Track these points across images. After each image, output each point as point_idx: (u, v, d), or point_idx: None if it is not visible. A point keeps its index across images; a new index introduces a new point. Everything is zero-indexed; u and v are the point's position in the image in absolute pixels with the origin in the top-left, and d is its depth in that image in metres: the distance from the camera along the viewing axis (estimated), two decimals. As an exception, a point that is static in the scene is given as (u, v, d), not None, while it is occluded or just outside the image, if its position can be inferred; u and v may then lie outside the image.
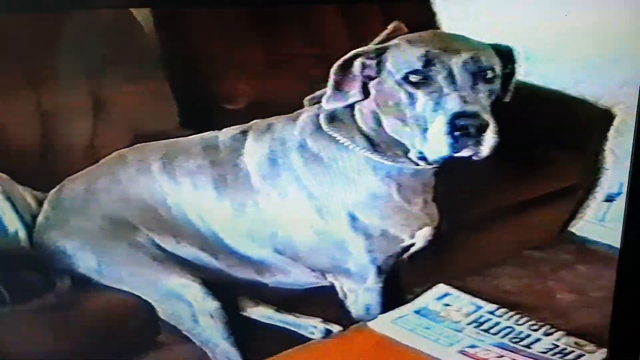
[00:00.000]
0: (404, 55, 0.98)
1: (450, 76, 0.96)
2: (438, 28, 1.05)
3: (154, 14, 1.04)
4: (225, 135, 1.07)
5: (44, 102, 1.04)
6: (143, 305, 1.10)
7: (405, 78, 0.97)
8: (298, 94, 1.05)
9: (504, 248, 1.17)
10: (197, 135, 1.08)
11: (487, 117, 0.95)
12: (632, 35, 1.00)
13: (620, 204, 1.07)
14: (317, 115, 1.04)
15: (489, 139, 0.95)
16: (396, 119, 1.00)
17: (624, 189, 1.06)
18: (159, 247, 1.09)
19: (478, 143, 0.95)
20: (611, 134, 1.11)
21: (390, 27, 1.03)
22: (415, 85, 0.96)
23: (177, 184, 1.08)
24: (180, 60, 1.07)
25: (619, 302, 1.06)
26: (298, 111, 1.06)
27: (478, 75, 0.97)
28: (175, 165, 1.08)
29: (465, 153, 0.96)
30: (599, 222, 1.13)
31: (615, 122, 1.10)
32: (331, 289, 1.11)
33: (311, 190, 1.06)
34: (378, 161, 1.04)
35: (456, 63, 0.96)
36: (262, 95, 1.07)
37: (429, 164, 1.02)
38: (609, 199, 1.11)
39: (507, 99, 1.02)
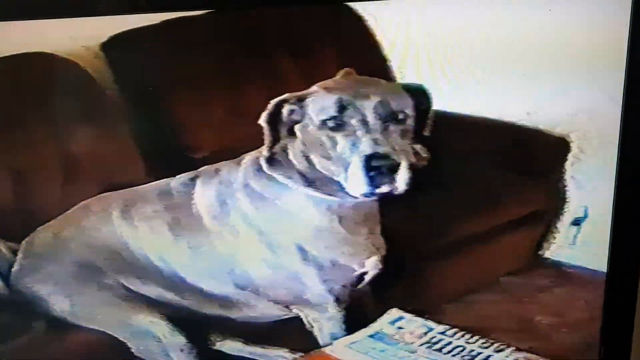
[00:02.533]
0: (321, 102, 1.03)
1: (363, 120, 1.01)
2: (388, 73, 1.06)
3: (113, 71, 1.07)
4: (177, 181, 1.10)
5: (15, 161, 1.10)
6: (117, 343, 1.15)
7: (324, 123, 1.02)
8: (260, 141, 1.08)
9: (477, 275, 1.17)
10: (152, 183, 1.09)
11: (399, 156, 1.01)
12: (581, 65, 1.01)
13: (589, 227, 1.10)
14: (258, 158, 1.07)
15: (403, 176, 1.01)
16: (324, 158, 1.04)
17: (589, 213, 1.09)
18: (127, 288, 1.13)
19: (393, 180, 1.01)
20: (569, 160, 1.12)
21: (340, 73, 1.06)
22: (333, 129, 1.02)
23: (136, 229, 1.10)
24: (143, 113, 1.10)
25: (607, 323, 1.09)
26: (242, 155, 1.08)
27: (389, 117, 1.01)
28: (133, 212, 1.10)
29: (384, 189, 1.02)
30: (570, 246, 1.14)
31: (572, 149, 1.11)
32: (298, 320, 1.13)
33: (260, 227, 1.08)
34: (317, 196, 1.06)
35: (367, 108, 1.01)
36: (225, 143, 1.09)
37: (366, 196, 1.06)
38: (576, 222, 1.12)
39: (427, 133, 1.05)
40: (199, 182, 1.09)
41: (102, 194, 1.11)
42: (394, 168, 1.00)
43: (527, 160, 1.11)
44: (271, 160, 1.07)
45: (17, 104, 1.05)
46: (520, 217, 1.13)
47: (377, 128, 1.01)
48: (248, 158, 1.08)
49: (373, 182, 1.00)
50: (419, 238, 1.12)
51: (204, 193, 1.09)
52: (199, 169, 1.09)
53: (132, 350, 1.13)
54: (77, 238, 1.14)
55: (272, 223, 1.08)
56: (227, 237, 1.08)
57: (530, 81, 1.02)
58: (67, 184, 1.10)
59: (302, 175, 1.06)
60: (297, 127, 1.04)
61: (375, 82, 1.04)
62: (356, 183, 1.01)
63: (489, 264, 1.16)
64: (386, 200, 1.06)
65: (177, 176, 1.09)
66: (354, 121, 1.01)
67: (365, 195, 1.02)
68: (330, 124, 1.02)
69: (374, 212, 1.09)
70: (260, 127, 1.06)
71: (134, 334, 1.14)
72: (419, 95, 1.04)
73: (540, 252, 1.14)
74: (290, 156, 1.06)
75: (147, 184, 1.09)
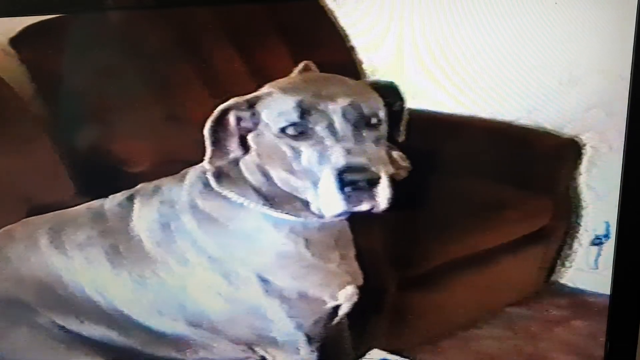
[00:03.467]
0: (277, 106, 0.90)
1: (331, 126, 0.88)
2: (357, 66, 0.95)
3: (31, 73, 0.96)
4: (111, 202, 0.99)
5: None
6: None
7: (283, 131, 0.89)
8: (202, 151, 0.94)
9: (475, 306, 1.02)
10: (83, 204, 1.00)
11: (377, 168, 0.87)
12: (597, 49, 0.86)
13: (612, 247, 0.94)
14: (205, 173, 0.95)
15: (384, 190, 0.87)
16: (285, 172, 0.91)
17: (612, 230, 0.93)
18: (62, 328, 1.01)
19: (372, 196, 0.87)
20: (583, 166, 0.94)
21: (297, 68, 0.94)
22: (295, 137, 0.89)
23: (69, 258, 0.99)
24: (67, 121, 0.98)
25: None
26: (185, 170, 0.97)
27: (360, 122, 0.89)
28: (64, 239, 1.00)
29: (363, 207, 0.88)
30: (591, 270, 0.97)
31: (586, 152, 0.93)
32: None
33: (212, 254, 0.96)
34: (278, 217, 0.94)
35: (334, 111, 0.88)
36: (165, 155, 0.99)
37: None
38: (597, 242, 0.95)
39: (401, 139, 0.93)
40: (136, 202, 0.98)
41: (25, 219, 1.01)
42: (373, 182, 0.87)
43: (530, 166, 0.96)
44: (220, 176, 0.95)
45: None
46: (525, 235, 0.99)
47: (348, 135, 0.88)
48: (192, 173, 0.97)
49: (349, 200, 0.87)
50: (402, 263, 1.00)
51: (144, 215, 0.98)
52: (136, 187, 0.99)
53: (72, 400, 1.01)
54: (1, 271, 1.02)
55: (226, 249, 0.96)
56: (175, 267, 0.97)
57: (530, 71, 0.88)
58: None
59: (259, 192, 0.95)
60: (250, 137, 0.93)
61: (340, 80, 0.92)
62: (329, 201, 0.88)
63: (489, 292, 1.02)
64: (361, 219, 0.93)
65: (111, 196, 0.99)
66: (319, 128, 0.88)
67: (340, 215, 0.89)
68: (291, 131, 0.89)
69: (346, 234, 0.97)
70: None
71: None
72: (389, 94, 0.92)
73: (553, 278, 0.99)
74: (244, 170, 0.95)
75: (77, 206, 1.00)
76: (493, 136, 0.92)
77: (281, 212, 0.94)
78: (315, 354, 1.00)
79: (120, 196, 0.99)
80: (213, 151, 0.92)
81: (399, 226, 0.96)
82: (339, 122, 0.88)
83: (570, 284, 0.99)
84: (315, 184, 0.88)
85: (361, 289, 0.98)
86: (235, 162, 0.94)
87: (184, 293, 0.97)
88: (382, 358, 1.00)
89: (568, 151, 0.93)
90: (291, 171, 0.91)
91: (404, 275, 1.00)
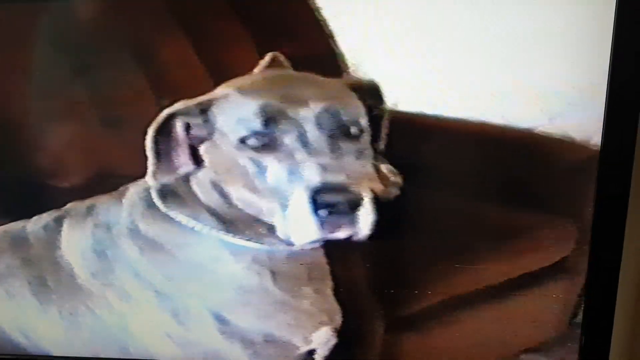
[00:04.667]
0: (236, 111, 0.81)
1: (302, 136, 0.79)
2: (336, 57, 0.81)
3: None
4: (35, 224, 0.90)
5: None
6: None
7: (243, 141, 0.80)
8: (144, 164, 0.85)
9: (485, 352, 0.88)
10: (1, 227, 0.90)
11: (359, 187, 0.79)
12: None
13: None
14: (148, 190, 0.86)
15: (367, 214, 0.78)
16: (246, 191, 0.82)
17: None
18: None
19: (353, 221, 0.79)
20: None
21: (264, 61, 0.82)
22: (258, 150, 0.80)
23: None
24: None
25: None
26: (124, 186, 0.87)
27: (337, 132, 0.80)
28: None
29: (339, 234, 0.79)
30: None
31: None
32: None
33: (158, 287, 0.88)
34: (237, 244, 0.85)
35: (305, 119, 0.79)
36: (101, 166, 0.88)
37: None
38: None
39: (381, 148, 0.82)
40: (66, 224, 0.89)
41: None
42: (353, 204, 0.78)
43: (551, 184, 0.82)
44: (167, 194, 0.85)
45: None
46: (542, 268, 0.85)
47: (323, 147, 0.79)
48: (133, 190, 0.87)
49: (325, 225, 0.78)
50: (391, 299, 0.87)
51: (75, 240, 0.89)
52: (66, 207, 0.89)
53: None
54: None
55: (174, 282, 0.87)
56: (114, 302, 0.89)
57: (550, 70, 0.76)
58: None
59: (214, 214, 0.85)
60: (202, 148, 0.82)
61: (313, 79, 0.81)
62: (300, 227, 0.79)
63: (500, 335, 0.88)
64: (339, 247, 0.83)
65: (35, 217, 0.89)
66: (288, 139, 0.79)
67: (313, 243, 0.81)
68: (254, 142, 0.80)
69: (321, 265, 0.86)
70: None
71: None
72: (370, 96, 0.81)
73: (578, 319, 0.85)
74: (196, 188, 0.85)
75: None
76: (505, 147, 0.81)
77: (241, 239, 0.85)
78: None
79: (46, 217, 0.90)
80: (157, 164, 0.83)
81: (387, 255, 0.85)
82: (311, 132, 0.80)
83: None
84: (283, 205, 0.80)
85: (340, 331, 0.88)
86: (186, 178, 0.85)
87: (126, 333, 0.90)
88: None
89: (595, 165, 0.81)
90: (253, 189, 0.82)
91: (392, 313, 0.88)
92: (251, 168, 0.81)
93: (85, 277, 0.89)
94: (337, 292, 0.87)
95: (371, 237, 0.80)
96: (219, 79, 0.82)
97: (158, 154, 0.83)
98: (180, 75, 0.85)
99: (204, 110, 0.82)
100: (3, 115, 0.88)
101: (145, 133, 0.83)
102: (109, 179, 0.88)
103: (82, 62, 0.85)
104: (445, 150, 0.81)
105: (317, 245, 0.83)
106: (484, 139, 0.81)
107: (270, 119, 0.80)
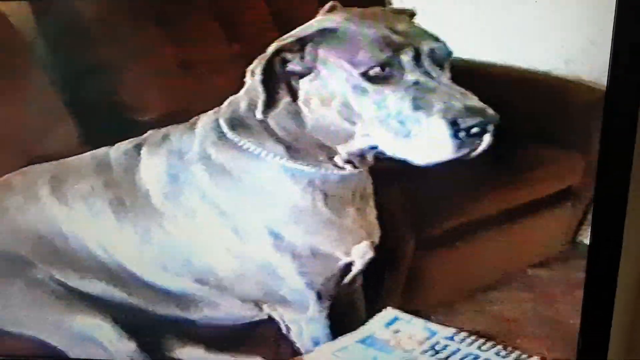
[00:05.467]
0: (353, 43, 0.82)
1: (421, 67, 0.81)
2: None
3: (38, 19, 0.92)
4: (117, 151, 0.95)
5: None
6: (51, 351, 1.01)
7: (364, 73, 0.81)
8: (219, 100, 0.91)
9: (497, 267, 0.97)
10: (87, 153, 0.95)
11: (491, 110, 0.80)
12: None
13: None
14: (217, 121, 0.91)
15: (489, 135, 0.81)
16: (340, 121, 0.85)
17: None
18: (61, 284, 0.99)
19: (480, 142, 0.81)
20: None
21: (325, 7, 0.86)
22: (375, 80, 0.81)
23: (71, 210, 0.96)
24: (73, 66, 0.94)
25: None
26: (195, 117, 0.92)
27: (442, 63, 0.82)
28: (66, 189, 0.96)
29: (465, 152, 0.81)
30: None
31: None
32: (272, 322, 0.99)
33: (223, 208, 0.93)
34: (296, 168, 0.90)
35: (425, 51, 0.81)
36: (177, 102, 0.94)
37: (356, 167, 0.90)
38: None
39: None
40: (144, 151, 0.95)
41: (25, 168, 0.97)
42: (489, 124, 0.80)
43: (562, 122, 0.89)
44: (236, 124, 0.91)
45: None
46: (551, 194, 0.93)
47: (442, 77, 0.81)
48: (204, 121, 0.92)
49: (460, 146, 0.80)
50: (423, 220, 0.95)
51: (151, 166, 0.94)
52: (144, 135, 0.95)
53: (71, 361, 0.98)
54: None
55: (237, 203, 0.92)
56: (182, 221, 0.94)
57: (566, 22, 0.82)
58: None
59: (280, 142, 0.89)
60: (302, 82, 0.85)
61: (400, 18, 0.84)
62: (432, 149, 0.80)
63: (511, 253, 0.96)
64: (383, 174, 0.91)
65: (117, 144, 0.95)
66: (410, 68, 0.81)
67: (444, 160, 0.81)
68: (375, 73, 0.81)
69: (365, 188, 0.93)
70: (219, 85, 0.91)
71: (72, 339, 1.00)
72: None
73: (579, 239, 0.92)
74: (270, 119, 0.88)
75: (80, 155, 0.96)
76: (525, 88, 0.87)
77: (302, 164, 0.90)
78: (325, 312, 0.98)
79: (127, 144, 0.95)
80: (265, 99, 0.85)
81: (422, 182, 0.90)
82: (429, 63, 0.81)
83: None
84: (402, 133, 0.82)
85: (377, 247, 0.94)
86: (253, 109, 0.87)
87: (190, 248, 0.95)
88: (395, 317, 0.97)
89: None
90: (352, 120, 0.84)
91: (423, 234, 0.96)
92: (361, 99, 0.82)
93: (158, 198, 0.94)
94: (376, 212, 0.94)
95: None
96: (282, 27, 0.85)
97: (265, 87, 0.85)
98: (249, 20, 0.90)
99: (305, 44, 0.84)
100: (94, 59, 0.93)
101: (218, 72, 0.90)
102: (183, 114, 0.93)
103: (167, 10, 0.90)
104: (474, 91, 0.83)
105: (364, 169, 0.90)
106: (509, 80, 0.87)
107: (395, 49, 0.81)
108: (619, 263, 0.87)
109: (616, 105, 0.81)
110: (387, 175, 0.91)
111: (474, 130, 0.79)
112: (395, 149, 0.83)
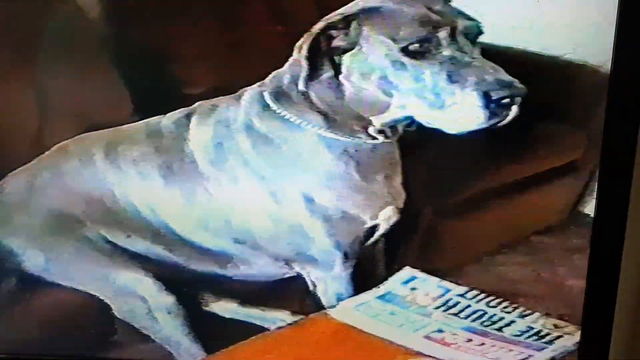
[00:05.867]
0: (395, 21, 0.88)
1: (456, 43, 0.87)
2: None
3: None
4: (169, 119, 1.00)
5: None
6: (98, 303, 1.07)
7: (404, 49, 0.87)
8: (264, 75, 0.97)
9: (506, 233, 1.04)
10: (140, 121, 1.00)
11: (519, 83, 0.87)
12: None
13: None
14: (262, 94, 0.96)
15: (516, 106, 0.88)
16: (378, 93, 0.92)
17: None
18: (109, 242, 1.04)
19: (508, 113, 0.88)
20: None
21: None
22: (413, 55, 0.88)
23: (123, 173, 1.01)
24: (130, 43, 0.99)
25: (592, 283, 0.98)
26: (242, 90, 0.98)
27: (475, 42, 0.89)
28: (119, 154, 1.01)
29: (494, 122, 0.88)
30: None
31: None
32: (300, 278, 1.05)
33: (262, 173, 0.99)
34: (333, 138, 0.96)
35: (459, 29, 0.88)
36: (224, 78, 0.99)
37: (387, 137, 0.97)
38: None
39: None
40: (193, 120, 0.99)
41: (81, 135, 1.03)
42: (517, 96, 0.87)
43: (569, 101, 0.96)
44: (279, 96, 0.96)
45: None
46: (555, 168, 1.00)
47: (474, 53, 0.88)
48: (250, 92, 0.98)
49: (491, 117, 0.87)
50: (442, 189, 1.01)
51: (200, 134, 0.99)
52: (194, 105, 0.99)
53: (114, 311, 1.07)
54: (54, 184, 1.04)
55: (276, 169, 0.98)
56: (225, 185, 0.99)
57: (574, 10, 0.89)
58: (43, 123, 1.02)
59: (320, 113, 0.95)
60: (345, 58, 0.91)
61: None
62: (464, 119, 0.88)
63: (518, 220, 1.03)
64: (410, 144, 0.97)
65: (169, 114, 1.00)
66: (446, 43, 0.88)
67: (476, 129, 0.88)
68: (414, 48, 0.87)
69: (392, 157, 0.99)
70: (263, 62, 0.96)
71: (116, 292, 1.06)
72: None
73: (580, 209, 1.00)
74: (311, 92, 0.94)
75: (134, 123, 1.01)
76: (536, 70, 0.93)
77: (337, 134, 0.96)
78: (349, 270, 1.04)
79: (177, 114, 0.99)
80: (308, 72, 0.92)
81: (442, 154, 0.96)
82: (462, 39, 0.87)
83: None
84: (437, 104, 0.88)
85: (400, 211, 1.00)
86: (295, 83, 0.94)
87: (231, 210, 1.00)
88: (413, 275, 1.05)
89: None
90: (388, 92, 0.91)
91: (441, 201, 1.01)
92: (399, 73, 0.89)
93: (204, 163, 0.99)
94: (403, 180, 1.00)
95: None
96: (321, 9, 0.90)
97: (310, 62, 0.91)
98: (293, 4, 0.95)
99: (351, 21, 0.89)
100: (149, 37, 0.97)
101: (264, 51, 0.95)
102: (229, 88, 0.98)
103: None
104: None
105: (394, 140, 0.96)
106: (518, 63, 0.91)
107: (434, 26, 0.87)
108: (624, 234, 0.93)
109: (620, 87, 0.87)
110: (412, 145, 0.96)
111: (504, 101, 0.86)
112: (430, 119, 0.90)
